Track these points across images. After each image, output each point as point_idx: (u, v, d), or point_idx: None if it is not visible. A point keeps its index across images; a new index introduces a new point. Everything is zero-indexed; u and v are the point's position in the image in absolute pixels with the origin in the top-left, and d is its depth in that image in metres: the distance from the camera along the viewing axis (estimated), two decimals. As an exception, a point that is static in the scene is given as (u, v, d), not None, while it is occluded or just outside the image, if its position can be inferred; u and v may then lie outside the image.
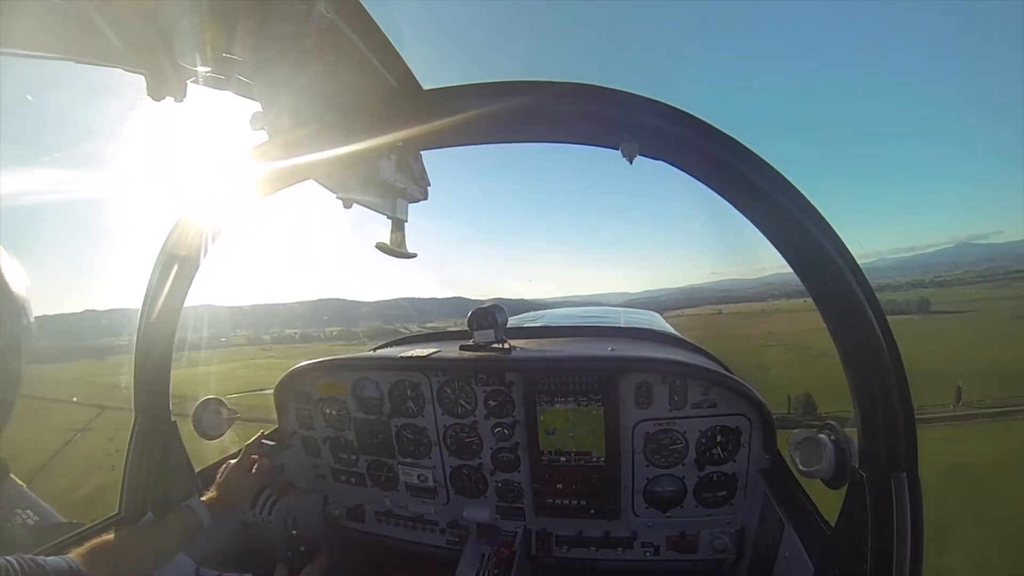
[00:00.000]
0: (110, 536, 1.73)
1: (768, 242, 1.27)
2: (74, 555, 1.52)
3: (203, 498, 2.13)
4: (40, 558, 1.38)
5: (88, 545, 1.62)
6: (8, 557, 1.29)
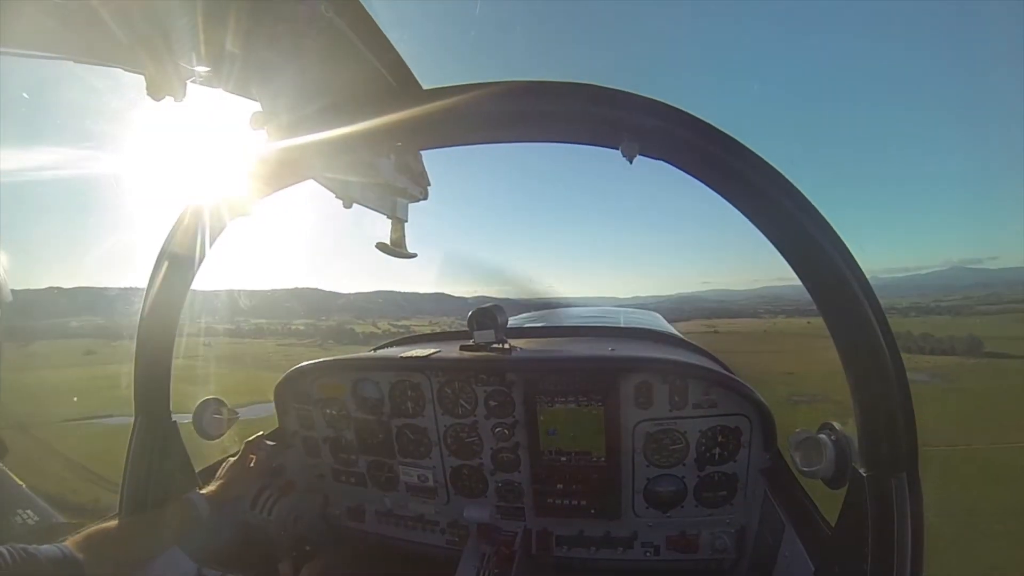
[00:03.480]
0: (107, 525, 1.71)
1: (764, 250, 1.27)
2: (70, 543, 1.50)
3: (203, 492, 2.13)
4: (32, 547, 1.36)
5: (84, 533, 1.60)
6: (0, 547, 1.29)
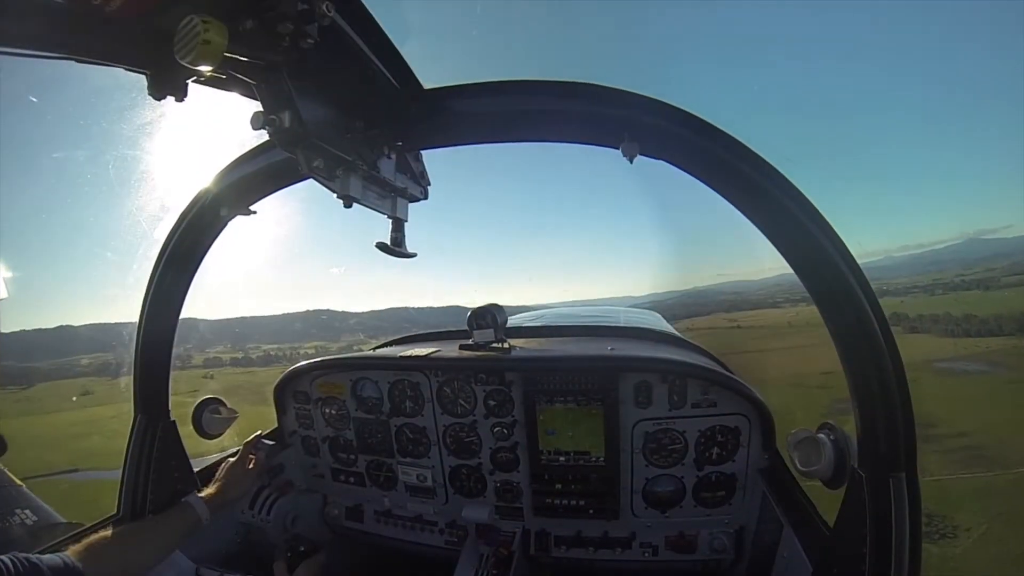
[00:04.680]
0: (108, 533, 1.72)
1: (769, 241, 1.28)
2: (71, 552, 1.52)
3: (201, 494, 2.13)
4: (35, 556, 1.37)
5: (86, 542, 1.61)
6: (2, 556, 1.29)
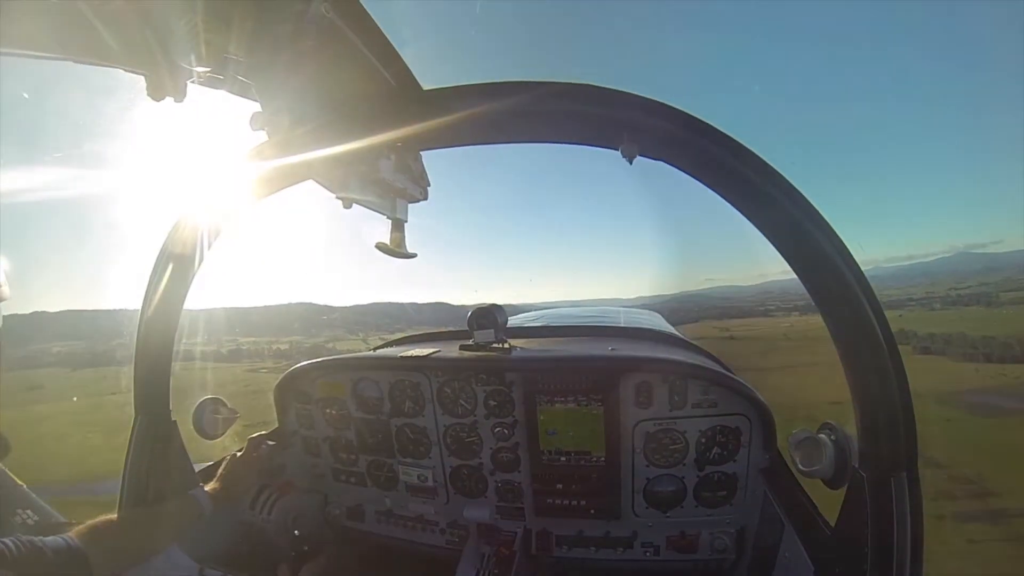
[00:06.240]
0: (111, 517, 1.72)
1: (765, 245, 1.27)
2: (74, 533, 1.51)
3: (206, 487, 2.14)
4: (38, 539, 1.37)
5: (88, 524, 1.60)
6: (5, 539, 1.29)
